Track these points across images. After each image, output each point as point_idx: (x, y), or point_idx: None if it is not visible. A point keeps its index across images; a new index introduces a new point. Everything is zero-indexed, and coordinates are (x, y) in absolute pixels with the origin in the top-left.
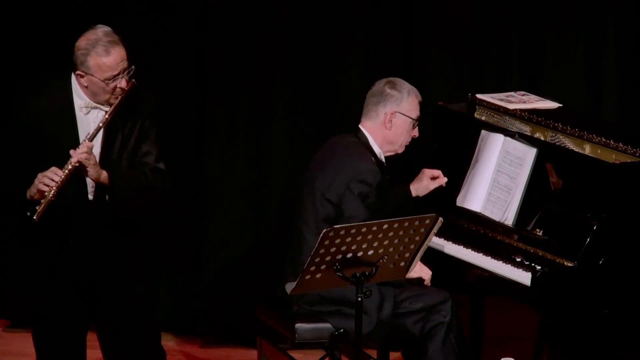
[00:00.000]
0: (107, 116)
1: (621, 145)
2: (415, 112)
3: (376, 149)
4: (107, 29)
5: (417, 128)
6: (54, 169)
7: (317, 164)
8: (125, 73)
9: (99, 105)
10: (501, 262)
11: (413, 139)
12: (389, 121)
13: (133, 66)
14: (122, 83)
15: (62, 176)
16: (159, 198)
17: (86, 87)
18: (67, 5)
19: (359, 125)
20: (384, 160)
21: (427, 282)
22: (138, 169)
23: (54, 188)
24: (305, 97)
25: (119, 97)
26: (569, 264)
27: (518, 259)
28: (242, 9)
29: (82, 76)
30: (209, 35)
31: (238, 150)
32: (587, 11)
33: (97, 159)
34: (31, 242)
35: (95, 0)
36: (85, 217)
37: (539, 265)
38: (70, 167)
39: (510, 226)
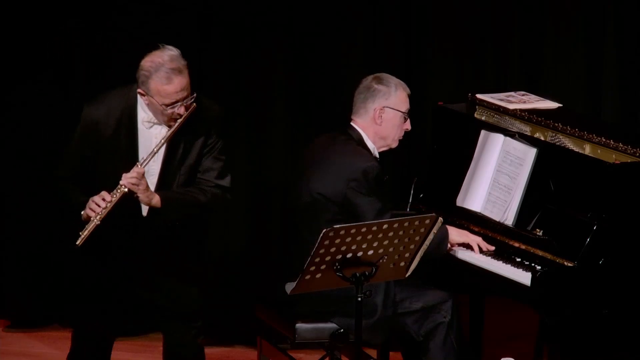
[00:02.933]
0: (162, 140)
1: (621, 145)
2: (404, 106)
3: (370, 144)
4: (174, 52)
5: (408, 121)
6: (103, 193)
7: (313, 163)
8: (184, 101)
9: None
10: (501, 262)
11: (407, 133)
12: (379, 117)
13: (195, 94)
14: (181, 110)
15: (110, 201)
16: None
17: (147, 104)
18: (67, 5)
19: (351, 123)
20: (377, 156)
21: (476, 249)
22: (197, 186)
23: (100, 214)
24: (305, 97)
25: (177, 121)
26: (569, 264)
27: (518, 259)
28: (242, 9)
29: (143, 95)
30: (209, 35)
31: (238, 150)
32: (587, 11)
33: (157, 175)
34: (86, 251)
35: (96, 0)
36: (139, 232)
37: (539, 265)
38: (119, 192)
39: (510, 226)
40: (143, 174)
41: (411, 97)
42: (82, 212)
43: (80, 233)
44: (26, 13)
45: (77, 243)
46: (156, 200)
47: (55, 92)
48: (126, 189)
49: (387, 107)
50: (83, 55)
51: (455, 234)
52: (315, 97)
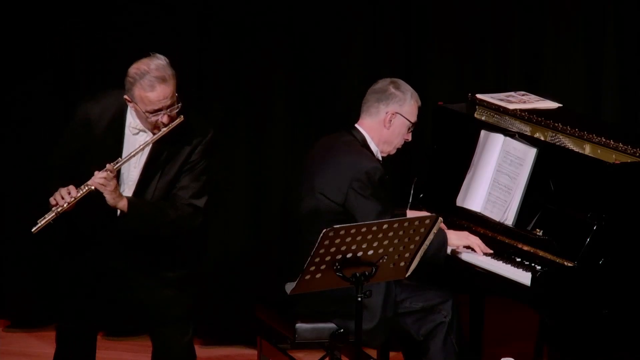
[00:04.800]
0: (141, 145)
1: (621, 145)
2: (413, 117)
3: (373, 147)
4: (161, 62)
5: (411, 133)
6: (70, 187)
7: (316, 163)
8: (168, 110)
9: (147, 131)
10: (501, 262)
11: (406, 142)
12: (389, 121)
13: (180, 104)
14: (164, 119)
15: (75, 197)
16: (187, 232)
17: (134, 111)
18: (67, 5)
19: (356, 125)
20: (380, 159)
21: (478, 251)
22: (170, 201)
23: (62, 207)
24: (305, 97)
25: (162, 129)
26: (569, 264)
27: (518, 259)
28: (242, 9)
29: (129, 101)
30: (209, 35)
31: (238, 150)
32: (587, 11)
33: (135, 182)
34: (64, 248)
35: (96, 0)
36: (113, 231)
37: (539, 265)
38: (85, 188)
39: (510, 226)
40: (114, 176)
41: None
42: (50, 198)
43: (38, 221)
44: (26, 13)
45: (33, 230)
46: (123, 203)
47: (55, 92)
48: (93, 187)
49: (398, 113)
50: (83, 55)
51: (455, 238)
52: (315, 97)
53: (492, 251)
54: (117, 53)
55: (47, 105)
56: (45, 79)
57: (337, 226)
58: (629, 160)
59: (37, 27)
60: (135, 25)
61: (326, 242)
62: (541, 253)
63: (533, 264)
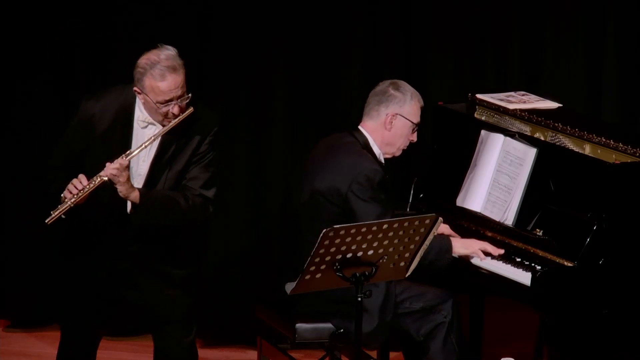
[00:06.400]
0: (152, 137)
1: (621, 145)
2: (416, 117)
3: (375, 149)
4: (171, 52)
5: (415, 133)
6: (81, 177)
7: (317, 163)
8: (179, 100)
9: (157, 123)
10: (501, 262)
11: (411, 143)
12: (390, 122)
13: (190, 94)
14: (175, 109)
15: (87, 186)
16: (198, 224)
17: (143, 103)
18: (67, 5)
19: (359, 126)
20: (382, 161)
21: (482, 256)
22: (180, 192)
23: (76, 196)
24: (305, 97)
25: (172, 120)
26: (569, 264)
27: (518, 259)
28: (242, 9)
29: (138, 93)
30: (209, 35)
31: (238, 150)
32: (587, 11)
33: (145, 175)
34: (67, 248)
35: (96, 0)
36: (122, 228)
37: (539, 265)
38: (98, 179)
39: (510, 226)
40: (126, 166)
41: None
42: (62, 195)
43: (52, 212)
44: (26, 13)
45: (47, 221)
46: (135, 195)
47: (55, 92)
48: (105, 178)
49: (399, 114)
50: (83, 55)
51: (460, 246)
52: (315, 97)
53: (502, 251)
54: (117, 53)
55: (47, 105)
56: (45, 79)
57: (337, 226)
58: (629, 160)
59: (37, 27)
60: (135, 25)
61: (326, 242)
62: (541, 253)
63: (533, 264)
